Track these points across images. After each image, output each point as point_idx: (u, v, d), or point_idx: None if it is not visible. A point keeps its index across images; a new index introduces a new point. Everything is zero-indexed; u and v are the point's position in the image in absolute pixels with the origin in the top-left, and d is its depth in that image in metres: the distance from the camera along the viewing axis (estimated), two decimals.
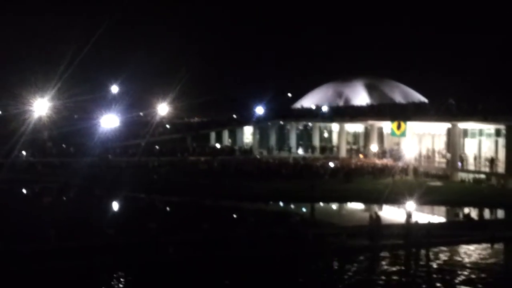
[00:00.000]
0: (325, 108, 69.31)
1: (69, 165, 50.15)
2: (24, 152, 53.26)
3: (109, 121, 60.14)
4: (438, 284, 22.86)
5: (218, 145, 74.50)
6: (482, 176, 49.56)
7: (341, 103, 73.05)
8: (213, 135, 79.57)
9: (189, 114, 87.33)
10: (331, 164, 52.93)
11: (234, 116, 79.75)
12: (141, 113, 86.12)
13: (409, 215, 30.12)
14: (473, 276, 23.79)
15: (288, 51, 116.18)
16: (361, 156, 61.53)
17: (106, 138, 58.61)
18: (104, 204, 37.71)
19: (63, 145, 58.15)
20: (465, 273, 24.15)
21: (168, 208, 38.08)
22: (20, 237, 25.20)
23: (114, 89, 76.47)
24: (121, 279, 22.83)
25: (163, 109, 72.96)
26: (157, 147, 62.89)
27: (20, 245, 24.24)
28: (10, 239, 24.68)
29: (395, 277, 23.67)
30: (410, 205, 34.47)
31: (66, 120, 66.87)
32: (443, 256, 26.93)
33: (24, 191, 43.26)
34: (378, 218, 29.47)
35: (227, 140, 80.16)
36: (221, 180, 46.66)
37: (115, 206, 38.28)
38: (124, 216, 33.66)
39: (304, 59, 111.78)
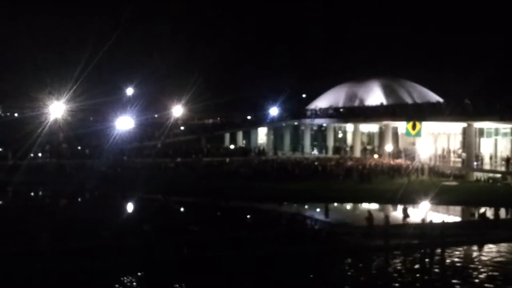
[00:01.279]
0: (339, 109, 69.22)
1: (84, 167, 50.39)
2: (39, 154, 53.60)
3: (124, 123, 60.55)
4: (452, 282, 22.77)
5: (232, 146, 74.58)
6: (498, 175, 49.19)
7: (356, 103, 72.79)
8: (227, 136, 79.66)
9: (203, 116, 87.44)
10: (346, 164, 52.83)
11: (249, 117, 79.81)
12: (156, 115, 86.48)
13: (424, 215, 30.05)
14: (485, 275, 23.62)
15: (303, 52, 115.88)
16: (375, 156, 61.31)
17: (121, 140, 58.97)
18: (119, 205, 38.00)
19: (79, 147, 58.44)
20: (476, 273, 23.99)
21: (184, 209, 38.24)
22: (37, 238, 25.34)
23: (129, 91, 76.97)
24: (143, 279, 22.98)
25: (177, 110, 73.27)
26: (172, 148, 63.03)
27: (37, 246, 24.45)
28: (27, 240, 24.87)
29: (406, 277, 23.57)
30: (425, 205, 34.42)
31: (81, 122, 67.30)
32: (457, 256, 26.81)
33: (40, 193, 43.63)
34: (386, 218, 29.69)
35: (241, 141, 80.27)
36: (235, 181, 46.75)
37: (131, 207, 38.52)
38: (140, 217, 33.79)
39: (319, 60, 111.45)
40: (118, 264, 23.64)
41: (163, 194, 42.10)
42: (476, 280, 23.14)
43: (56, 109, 56.30)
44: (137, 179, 45.76)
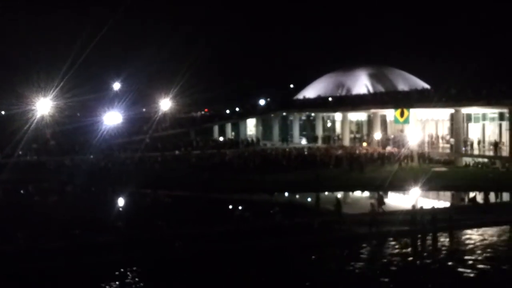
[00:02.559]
0: (327, 98, 69.24)
1: (73, 163, 50.08)
2: (25, 151, 53.20)
3: (112, 118, 60.21)
4: (445, 266, 22.93)
5: (221, 138, 74.49)
6: (486, 160, 49.50)
7: (343, 92, 72.85)
8: (216, 129, 79.56)
9: (191, 109, 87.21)
10: (335, 153, 52.91)
11: (237, 109, 79.70)
12: (144, 109, 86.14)
13: (414, 201, 30.17)
14: (480, 257, 23.80)
15: (289, 42, 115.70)
16: (364, 144, 61.46)
17: (109, 135, 58.67)
18: (109, 200, 37.82)
19: (66, 144, 58.05)
20: (471, 255, 24.16)
21: (174, 203, 38.03)
22: (31, 235, 25.14)
23: (116, 86, 76.54)
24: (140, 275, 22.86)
25: (166, 104, 72.99)
26: (160, 142, 62.80)
27: (31, 243, 24.30)
28: (23, 237, 24.72)
29: (399, 262, 23.67)
30: (415, 191, 34.59)
31: (69, 118, 66.86)
32: (448, 240, 27.01)
33: (28, 190, 43.30)
34: (379, 204, 29.82)
35: (230, 133, 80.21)
36: (225, 173, 46.68)
37: (121, 202, 38.35)
38: (131, 212, 33.70)
39: (306, 50, 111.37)
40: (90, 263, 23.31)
41: (150, 189, 41.90)
42: (471, 262, 23.26)
43: (43, 106, 55.90)
44: (125, 174, 45.69)
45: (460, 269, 22.62)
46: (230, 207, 36.28)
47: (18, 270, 22.18)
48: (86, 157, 51.74)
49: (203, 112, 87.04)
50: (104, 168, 48.93)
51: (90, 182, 43.41)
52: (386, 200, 33.26)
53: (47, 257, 23.12)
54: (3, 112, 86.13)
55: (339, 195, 38.41)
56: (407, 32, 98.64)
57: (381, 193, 35.58)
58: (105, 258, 23.53)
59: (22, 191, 43.18)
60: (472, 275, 22.01)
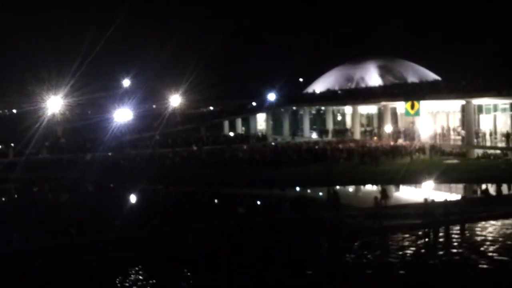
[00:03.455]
0: (337, 91, 69.07)
1: (84, 160, 50.32)
2: (37, 149, 53.50)
3: (122, 115, 60.36)
4: (458, 258, 22.86)
5: (231, 134, 74.50)
6: (498, 151, 49.19)
7: (353, 85, 72.63)
8: (226, 124, 79.58)
9: (202, 104, 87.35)
10: (346, 147, 52.81)
11: (247, 104, 79.65)
12: (154, 106, 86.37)
13: (426, 194, 30.06)
14: (497, 249, 23.69)
15: (298, 36, 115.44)
16: (375, 138, 61.26)
17: (120, 132, 58.86)
18: (122, 197, 38.00)
19: (77, 141, 58.32)
20: (488, 247, 24.03)
21: (187, 199, 38.16)
22: (44, 234, 25.19)
23: (126, 83, 76.75)
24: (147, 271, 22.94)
25: (176, 100, 73.11)
26: (171, 138, 62.93)
27: (43, 242, 24.41)
28: (36, 236, 24.82)
29: (409, 256, 23.61)
30: (428, 184, 34.48)
31: (79, 116, 67.15)
32: (460, 232, 26.91)
33: (40, 189, 43.61)
34: (383, 198, 29.78)
35: (240, 128, 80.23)
36: (236, 168, 46.72)
37: (133, 199, 38.52)
38: (145, 209, 33.76)
39: (315, 43, 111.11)
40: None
41: (162, 185, 42.06)
42: (483, 254, 23.16)
43: (54, 104, 56.21)
44: (137, 170, 45.88)
45: (472, 262, 22.54)
46: (240, 202, 36.32)
47: (15, 269, 22.09)
48: (97, 154, 51.90)
49: (213, 107, 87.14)
50: (116, 165, 49.10)
51: (102, 179, 43.62)
52: (390, 194, 33.20)
53: (51, 256, 23.15)
54: (14, 111, 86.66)
55: (338, 188, 38.55)
56: (417, 23, 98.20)
57: (384, 187, 35.54)
58: (107, 255, 23.52)
59: (34, 190, 43.48)
60: (485, 267, 21.90)
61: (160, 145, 58.51)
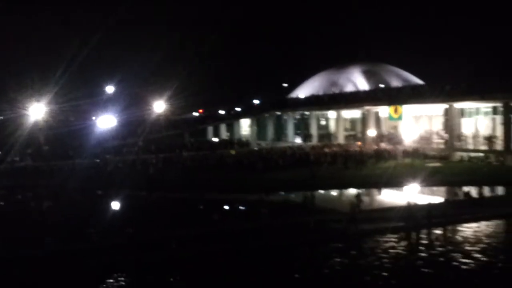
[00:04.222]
0: (321, 96, 69.35)
1: (67, 167, 49.92)
2: (20, 157, 53.05)
3: (105, 122, 60.11)
4: (440, 261, 22.93)
5: (216, 139, 74.47)
6: (481, 154, 49.63)
7: (337, 90, 72.98)
8: (210, 130, 79.60)
9: (186, 110, 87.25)
10: (330, 151, 52.99)
11: (231, 109, 79.71)
12: (138, 112, 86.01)
13: (409, 197, 30.19)
14: (479, 250, 23.84)
15: (282, 42, 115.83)
16: (358, 143, 61.52)
17: (104, 139, 58.57)
18: (103, 204, 37.62)
19: (60, 148, 57.92)
20: (471, 249, 24.18)
21: (170, 205, 37.92)
22: (24, 242, 24.97)
23: (110, 89, 76.41)
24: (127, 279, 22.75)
25: (160, 106, 72.91)
26: (154, 144, 62.70)
27: (24, 250, 24.13)
28: (17, 244, 24.58)
29: (393, 259, 23.67)
30: (411, 187, 34.67)
31: (63, 123, 66.69)
32: (443, 236, 27.05)
33: (21, 196, 43.14)
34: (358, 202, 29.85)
35: (224, 134, 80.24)
36: (221, 173, 46.66)
37: (115, 205, 38.19)
38: (127, 215, 33.53)
39: (299, 48, 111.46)
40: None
41: (145, 191, 41.78)
42: (464, 256, 23.29)
43: (37, 111, 55.78)
44: (120, 176, 45.57)
45: (453, 263, 22.65)
46: (224, 208, 36.28)
47: None
48: (80, 161, 51.55)
49: (197, 113, 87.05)
50: (99, 171, 48.81)
51: (85, 186, 43.20)
52: (374, 198, 33.22)
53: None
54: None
55: (323, 192, 38.69)
56: (400, 28, 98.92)
57: (368, 190, 35.67)
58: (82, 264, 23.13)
59: (14, 197, 42.97)
60: (466, 267, 22.02)
61: (144, 151, 58.32)
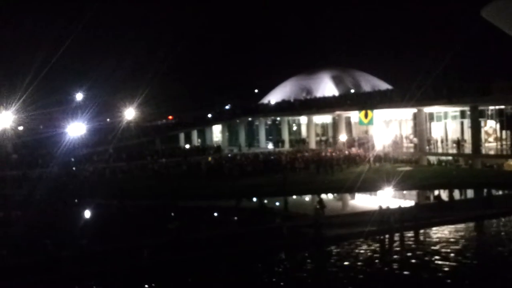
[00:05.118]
0: (292, 102, 69.64)
1: (35, 176, 49.09)
2: None
3: (75, 129, 59.30)
4: (414, 263, 23.16)
5: (187, 146, 74.19)
6: (450, 158, 50.35)
7: (308, 96, 73.43)
8: (182, 136, 79.24)
9: (157, 117, 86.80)
10: (302, 157, 53.15)
11: (203, 115, 79.55)
12: (108, 119, 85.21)
13: (381, 201, 30.42)
14: (442, 256, 24.11)
15: (253, 47, 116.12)
16: (330, 148, 61.86)
17: (73, 147, 57.81)
18: (74, 213, 37.14)
19: (29, 156, 57.03)
20: (434, 253, 24.45)
21: (139, 212, 37.60)
22: None
23: (79, 96, 75.56)
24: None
25: (130, 113, 72.33)
26: (125, 152, 62.15)
27: None
28: None
29: (366, 262, 23.82)
30: (382, 191, 34.98)
31: (32, 131, 65.73)
32: (416, 239, 27.32)
33: None
34: (321, 208, 30.02)
35: (196, 140, 79.99)
36: (193, 180, 46.51)
37: (86, 214, 37.73)
38: (96, 224, 33.20)
39: (270, 54, 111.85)
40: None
41: (117, 199, 41.32)
42: (434, 259, 23.55)
43: (5, 119, 54.80)
44: (90, 185, 45.09)
45: (427, 265, 22.90)
46: (197, 214, 36.10)
47: None
48: (49, 170, 50.81)
49: (168, 120, 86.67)
50: (68, 180, 48.15)
51: (53, 195, 42.43)
52: (345, 202, 33.35)
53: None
54: None
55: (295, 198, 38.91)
56: (368, 34, 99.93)
57: (322, 196, 35.95)
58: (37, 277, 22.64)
59: None
60: (439, 269, 22.27)
61: (114, 159, 57.77)
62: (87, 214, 37.64)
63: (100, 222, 34.26)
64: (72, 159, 55.32)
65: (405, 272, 22.47)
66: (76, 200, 41.67)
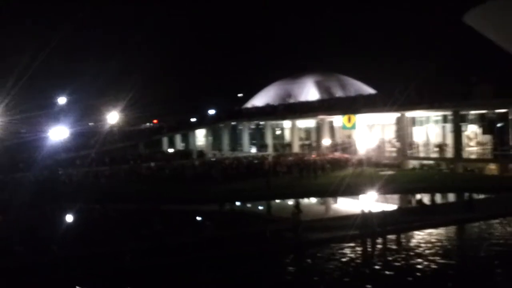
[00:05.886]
0: (276, 106, 69.78)
1: (16, 181, 48.65)
2: None
3: (58, 133, 58.97)
4: (396, 265, 23.32)
5: (171, 150, 74.04)
6: (432, 162, 50.75)
7: (291, 100, 73.62)
8: (165, 140, 79.07)
9: (141, 121, 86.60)
10: (285, 161, 53.27)
11: (186, 120, 79.49)
12: (91, 123, 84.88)
13: (363, 205, 30.56)
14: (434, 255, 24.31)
15: (237, 51, 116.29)
16: (313, 156, 62.00)
17: (56, 151, 57.47)
18: (54, 217, 36.78)
19: (10, 161, 56.47)
20: (419, 255, 24.63)
21: (121, 217, 37.34)
22: None
23: (62, 100, 75.19)
24: None
25: (113, 117, 72.10)
26: (108, 156, 61.83)
27: None
28: None
29: (349, 265, 23.93)
30: (365, 195, 35.17)
31: (13, 135, 65.19)
32: (398, 242, 27.51)
33: None
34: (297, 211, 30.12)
35: (180, 144, 79.85)
36: (176, 184, 46.41)
37: (67, 219, 37.41)
38: (78, 228, 32.95)
39: (254, 59, 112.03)
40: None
41: (99, 204, 41.03)
42: (437, 258, 23.78)
43: None
44: (72, 189, 44.77)
45: (409, 267, 23.08)
46: (180, 218, 35.93)
47: None
48: (31, 174, 50.38)
49: (151, 124, 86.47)
50: (50, 184, 47.78)
51: (34, 200, 41.95)
52: (329, 206, 33.45)
53: None
54: None
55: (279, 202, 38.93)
56: (352, 39, 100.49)
57: (298, 200, 36.06)
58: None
59: None
60: (421, 271, 22.45)
61: (97, 163, 57.46)
62: (68, 218, 37.31)
63: (80, 226, 33.98)
64: (54, 163, 54.78)
65: (388, 273, 22.68)
66: (57, 204, 41.21)
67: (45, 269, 23.30)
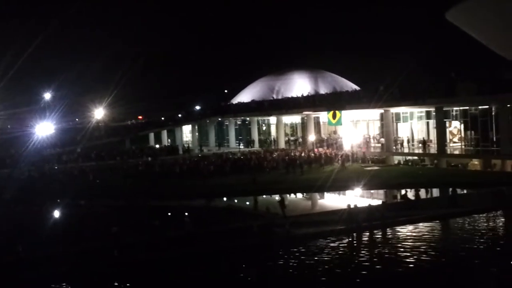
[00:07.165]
0: (262, 102, 70.10)
1: (2, 176, 48.55)
2: None
3: (44, 129, 58.90)
4: (382, 258, 23.82)
5: (157, 146, 74.14)
6: (416, 157, 51.38)
7: (277, 96, 74.00)
8: (152, 136, 79.14)
9: (127, 117, 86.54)
10: (271, 157, 53.65)
11: (173, 115, 79.58)
12: (77, 119, 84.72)
13: (349, 200, 31.03)
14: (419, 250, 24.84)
15: (223, 47, 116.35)
16: (299, 150, 62.44)
17: (42, 146, 57.40)
18: (43, 214, 36.82)
19: None
20: (404, 249, 25.14)
21: (109, 213, 37.49)
22: None
23: (48, 96, 74.99)
24: None
25: (99, 113, 72.10)
26: (94, 151, 61.80)
27: None
28: None
29: (337, 259, 24.39)
30: (350, 190, 35.65)
31: None
32: (382, 237, 28.00)
33: None
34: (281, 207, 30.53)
35: (166, 140, 79.95)
36: (162, 180, 46.62)
37: (55, 215, 37.52)
38: (64, 225, 33.08)
39: (240, 54, 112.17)
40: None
41: (86, 200, 41.16)
42: (421, 251, 24.30)
43: None
44: (58, 185, 44.80)
45: (394, 260, 23.57)
46: (167, 214, 36.24)
47: None
48: (17, 169, 50.32)
49: (137, 120, 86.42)
50: (36, 180, 47.78)
51: (20, 196, 41.89)
52: (315, 201, 33.85)
53: None
54: None
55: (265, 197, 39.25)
56: (337, 36, 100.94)
57: (282, 196, 36.50)
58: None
59: None
60: (406, 264, 22.94)
61: (83, 159, 57.49)
62: (54, 214, 37.39)
63: (65, 223, 34.07)
64: (41, 159, 54.73)
65: (374, 266, 23.19)
66: (43, 200, 41.19)
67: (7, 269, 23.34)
